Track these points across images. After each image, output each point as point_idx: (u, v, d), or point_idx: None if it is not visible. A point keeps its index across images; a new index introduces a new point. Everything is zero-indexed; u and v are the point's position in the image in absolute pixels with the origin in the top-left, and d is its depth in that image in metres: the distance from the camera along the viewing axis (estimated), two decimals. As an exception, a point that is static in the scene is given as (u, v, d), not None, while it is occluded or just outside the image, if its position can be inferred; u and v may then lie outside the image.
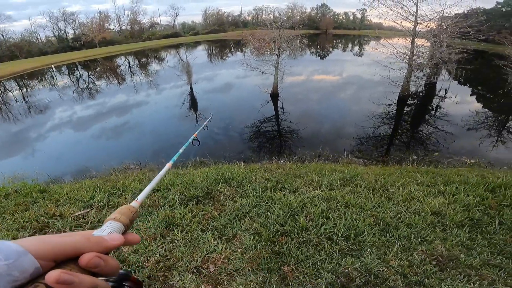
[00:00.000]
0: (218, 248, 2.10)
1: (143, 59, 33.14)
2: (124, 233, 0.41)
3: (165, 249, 2.11)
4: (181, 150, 1.01)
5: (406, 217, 2.47)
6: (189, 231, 2.30)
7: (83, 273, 0.32)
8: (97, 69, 28.11)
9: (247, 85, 15.06)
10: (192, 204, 2.69)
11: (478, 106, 11.41)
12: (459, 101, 11.54)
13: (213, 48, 41.03)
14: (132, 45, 47.91)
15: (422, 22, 10.43)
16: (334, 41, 49.28)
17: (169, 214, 2.50)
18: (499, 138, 7.86)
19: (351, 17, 74.42)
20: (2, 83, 22.99)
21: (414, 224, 2.38)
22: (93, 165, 6.02)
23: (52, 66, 29.06)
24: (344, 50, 36.89)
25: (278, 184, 3.09)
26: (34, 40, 50.27)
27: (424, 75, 13.65)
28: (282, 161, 5.32)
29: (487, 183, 3.07)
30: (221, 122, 9.24)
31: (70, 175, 5.56)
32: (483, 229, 2.36)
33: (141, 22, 62.14)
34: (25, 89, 20.00)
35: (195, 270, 1.92)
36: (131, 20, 59.78)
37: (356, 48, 38.83)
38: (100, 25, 52.45)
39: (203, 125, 2.05)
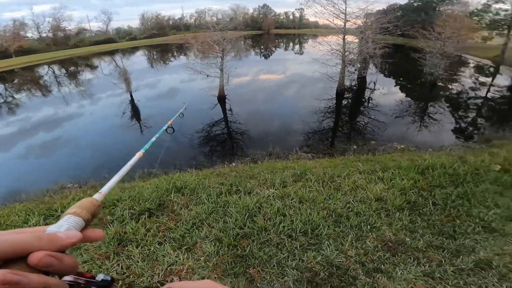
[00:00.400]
0: (180, 259, 2.05)
1: (72, 68, 29.93)
2: (84, 229, 0.38)
3: (121, 266, 1.99)
4: (154, 138, 0.99)
5: (355, 206, 2.62)
6: (145, 245, 2.20)
7: (34, 272, 0.29)
8: (15, 81, 24.47)
9: (193, 90, 14.72)
10: (145, 218, 2.57)
11: (402, 95, 13.00)
12: (386, 92, 12.99)
13: (154, 53, 39.06)
14: (57, 53, 42.83)
15: (350, 19, 11.41)
16: (277, 40, 51.10)
17: (120, 230, 2.36)
18: (422, 123, 8.99)
19: (291, 17, 78.02)
20: None
21: (362, 213, 2.52)
22: (21, 187, 5.25)
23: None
24: (286, 49, 38.53)
25: (233, 187, 3.10)
26: None
27: (355, 70, 15.00)
28: (234, 164, 5.33)
29: (416, 166, 3.39)
30: (168, 129, 8.87)
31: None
32: (420, 211, 2.59)
33: (66, 28, 56.07)
34: None
35: (159, 285, 1.86)
36: (54, 27, 53.47)
37: (297, 46, 40.88)
38: (14, 33, 45.75)
39: (179, 112, 1.99)
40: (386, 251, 2.10)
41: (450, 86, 14.32)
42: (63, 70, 28.67)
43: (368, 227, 2.35)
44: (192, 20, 72.66)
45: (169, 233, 2.33)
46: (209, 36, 11.92)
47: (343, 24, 11.28)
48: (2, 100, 16.35)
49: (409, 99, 12.33)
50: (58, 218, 2.30)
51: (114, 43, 56.41)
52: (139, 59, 30.82)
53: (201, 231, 2.35)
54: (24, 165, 7.45)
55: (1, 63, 35.29)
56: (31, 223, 2.53)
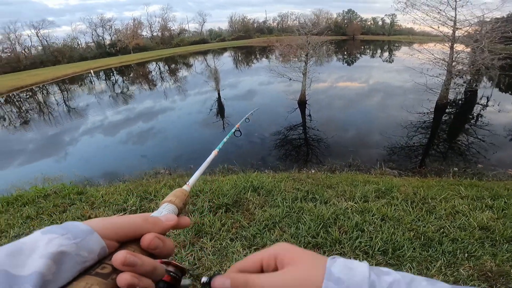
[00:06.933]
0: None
1: (173, 65, 34.44)
2: (177, 216, 0.41)
3: (194, 257, 2.08)
4: (225, 139, 1.08)
5: (451, 232, 2.35)
6: (218, 240, 2.26)
7: (144, 254, 0.32)
8: (131, 75, 29.61)
9: (270, 92, 15.04)
10: (221, 212, 2.65)
11: (525, 115, 10.41)
12: (501, 110, 10.65)
13: (239, 54, 41.64)
14: (163, 51, 50.11)
15: (461, 27, 9.83)
16: (362, 47, 48.12)
17: (199, 221, 2.48)
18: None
19: (380, 23, 72.68)
20: (45, 87, 24.95)
21: (460, 239, 2.25)
22: (124, 168, 6.21)
23: (91, 71, 31.01)
24: (372, 56, 35.84)
25: (309, 195, 2.99)
26: (75, 46, 54.26)
27: (464, 82, 12.85)
28: (313, 171, 5.17)
29: (540, 198, 2.84)
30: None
31: (104, 178, 5.70)
32: (537, 245, 2.18)
33: (171, 28, 64.84)
34: (65, 93, 21.53)
35: None
36: (162, 27, 62.65)
37: (386, 54, 37.55)
38: (133, 31, 55.38)
39: (245, 117, 2.09)
40: (482, 281, 1.89)
41: None
42: (166, 67, 33.31)
43: (465, 255, 2.11)
44: (275, 24, 74.90)
45: (242, 231, 2.36)
46: (294, 40, 11.92)
47: (452, 31, 9.80)
48: (120, 91, 19.98)
49: (534, 120, 9.77)
50: (151, 200, 2.58)
51: (206, 43, 62.62)
52: (226, 60, 33.27)
53: (272, 234, 2.32)
54: (123, 149, 8.79)
55: (122, 58, 43.54)
56: (130, 203, 2.88)
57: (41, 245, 0.27)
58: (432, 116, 9.82)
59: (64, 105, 16.43)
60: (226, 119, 10.68)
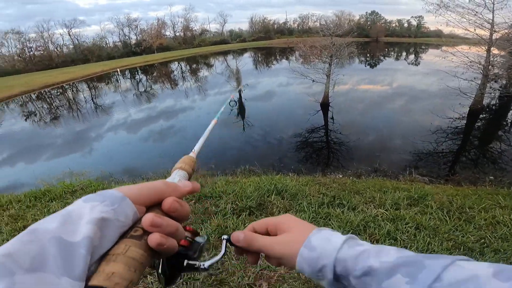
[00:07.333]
0: (272, 265, 1.96)
1: (194, 65, 35.02)
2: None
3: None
4: (222, 108, 1.16)
5: (492, 243, 2.26)
6: (242, 244, 2.19)
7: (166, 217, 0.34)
8: (154, 74, 30.43)
9: (289, 94, 14.84)
10: (245, 215, 2.59)
11: None
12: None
13: (259, 55, 41.61)
14: (185, 51, 51.14)
15: (499, 30, 9.28)
16: (386, 49, 46.66)
17: (222, 223, 2.42)
18: None
19: (405, 25, 70.35)
20: (75, 84, 26.19)
21: (502, 250, 2.16)
22: (146, 166, 6.29)
23: (118, 70, 32.21)
24: (397, 58, 34.62)
25: (335, 200, 2.88)
26: (104, 45, 56.68)
27: (500, 87, 12.17)
28: (341, 176, 5.01)
29: None
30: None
31: (128, 175, 5.75)
32: None
33: (193, 29, 66.14)
34: (93, 91, 22.48)
35: (247, 287, 1.79)
36: (184, 27, 64.03)
37: (411, 56, 36.16)
38: (157, 31, 56.97)
39: (238, 88, 2.08)
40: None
41: None
42: (188, 67, 33.95)
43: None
44: (296, 25, 74.44)
45: (266, 236, 2.29)
46: (318, 40, 11.71)
47: (489, 34, 9.30)
48: (143, 89, 20.55)
49: None
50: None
51: (227, 44, 63.24)
52: (246, 61, 33.28)
53: (298, 240, 2.23)
54: (144, 146, 8.89)
55: (146, 57, 44.90)
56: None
57: (85, 212, 0.29)
58: (464, 122, 9.32)
59: (92, 102, 17.11)
60: (247, 120, 10.54)
